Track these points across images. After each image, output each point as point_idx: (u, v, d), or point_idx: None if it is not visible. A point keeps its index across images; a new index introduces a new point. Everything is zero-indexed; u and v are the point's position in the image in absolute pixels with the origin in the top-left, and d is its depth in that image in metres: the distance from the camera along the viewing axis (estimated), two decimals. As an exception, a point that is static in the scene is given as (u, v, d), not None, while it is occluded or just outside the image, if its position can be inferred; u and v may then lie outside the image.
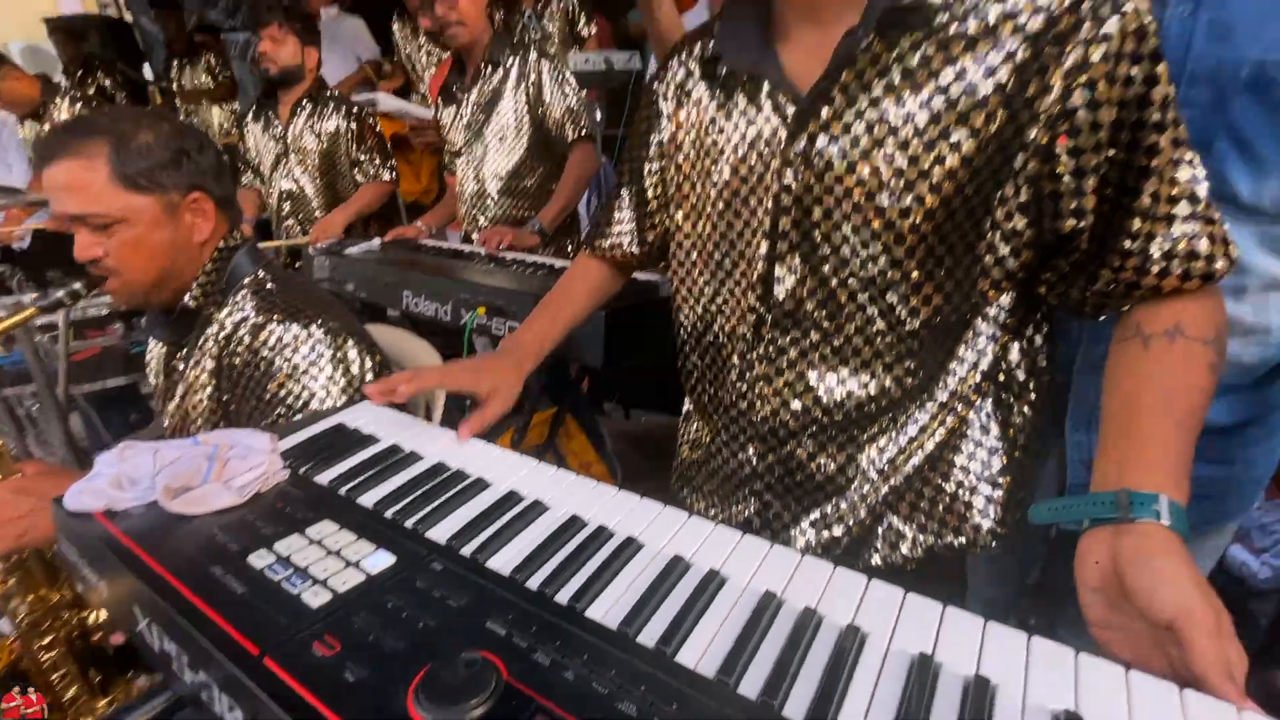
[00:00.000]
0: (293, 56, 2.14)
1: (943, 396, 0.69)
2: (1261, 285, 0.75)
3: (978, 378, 0.69)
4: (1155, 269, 0.58)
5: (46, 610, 0.89)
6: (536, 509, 0.61)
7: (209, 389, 1.01)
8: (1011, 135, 0.58)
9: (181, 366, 1.05)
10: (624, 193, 0.89)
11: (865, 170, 0.61)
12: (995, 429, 0.71)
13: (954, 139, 0.58)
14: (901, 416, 0.70)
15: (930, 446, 0.71)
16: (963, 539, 0.73)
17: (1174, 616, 0.44)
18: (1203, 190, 0.57)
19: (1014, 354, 0.70)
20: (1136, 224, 0.58)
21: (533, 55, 1.88)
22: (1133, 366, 0.59)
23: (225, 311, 1.00)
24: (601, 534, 0.57)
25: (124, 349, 2.11)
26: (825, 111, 0.62)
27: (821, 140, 0.63)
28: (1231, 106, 0.69)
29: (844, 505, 0.73)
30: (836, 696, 0.42)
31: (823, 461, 0.73)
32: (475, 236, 1.98)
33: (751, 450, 0.76)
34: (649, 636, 0.46)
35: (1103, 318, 0.64)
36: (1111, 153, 0.57)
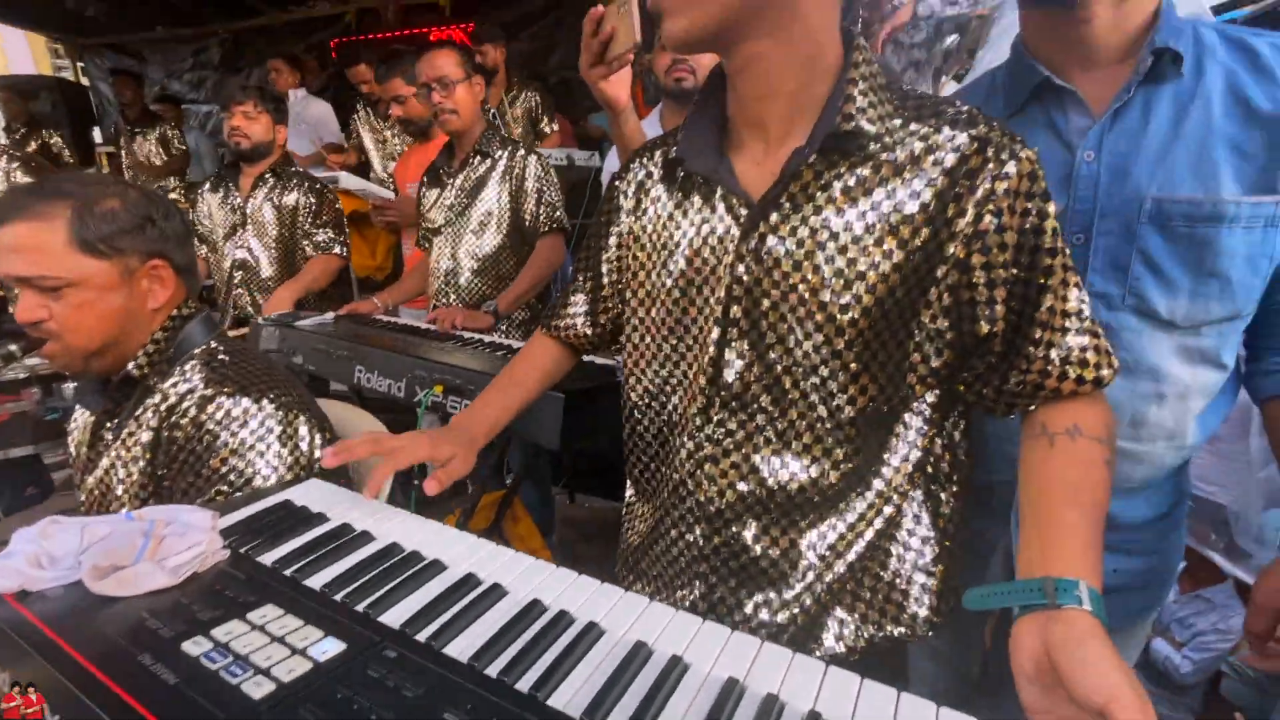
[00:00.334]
0: (265, 133, 2.20)
1: (879, 485, 0.74)
2: (1178, 393, 0.83)
3: (909, 468, 0.75)
4: (1055, 373, 0.67)
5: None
6: (495, 592, 0.60)
7: (141, 462, 0.95)
8: (935, 249, 0.67)
9: (109, 437, 0.99)
10: (580, 278, 0.94)
11: (810, 269, 0.68)
12: (926, 518, 0.77)
13: (886, 247, 0.67)
14: (841, 503, 0.74)
15: (870, 535, 0.75)
16: (902, 629, 0.76)
17: (1104, 702, 0.48)
18: (1087, 310, 0.68)
19: (938, 447, 0.76)
20: (1039, 333, 0.67)
21: (520, 151, 2.00)
22: (1041, 463, 0.67)
23: (170, 381, 0.97)
24: (563, 619, 0.56)
25: (37, 415, 1.97)
26: (774, 216, 0.70)
27: (771, 240, 0.70)
28: (1139, 236, 0.79)
29: (788, 593, 0.75)
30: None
31: (766, 545, 0.75)
32: (426, 315, 1.99)
33: (699, 531, 0.77)
34: (613, 727, 0.45)
35: (1011, 416, 0.72)
36: (1015, 271, 0.66)
